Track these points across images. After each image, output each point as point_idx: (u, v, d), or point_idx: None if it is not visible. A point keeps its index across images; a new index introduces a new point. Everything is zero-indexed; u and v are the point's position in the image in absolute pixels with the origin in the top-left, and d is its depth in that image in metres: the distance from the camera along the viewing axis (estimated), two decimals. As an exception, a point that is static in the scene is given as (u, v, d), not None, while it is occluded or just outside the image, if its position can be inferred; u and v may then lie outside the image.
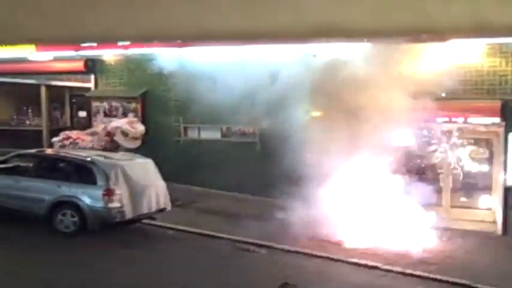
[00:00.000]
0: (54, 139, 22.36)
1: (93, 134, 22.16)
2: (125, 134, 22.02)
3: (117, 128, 22.03)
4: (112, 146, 21.40)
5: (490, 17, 8.95)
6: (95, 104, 25.16)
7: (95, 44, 20.30)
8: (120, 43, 19.87)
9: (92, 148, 20.97)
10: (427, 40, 16.47)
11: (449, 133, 20.07)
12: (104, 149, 20.51)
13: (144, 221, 17.70)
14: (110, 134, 21.91)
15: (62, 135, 22.31)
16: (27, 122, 28.55)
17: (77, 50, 22.76)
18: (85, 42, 19.99)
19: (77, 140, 21.79)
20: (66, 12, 8.90)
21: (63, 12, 8.93)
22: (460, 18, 9.24)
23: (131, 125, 22.52)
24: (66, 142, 21.65)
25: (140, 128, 22.71)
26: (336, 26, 9.35)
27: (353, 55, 18.22)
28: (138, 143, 22.22)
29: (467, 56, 18.83)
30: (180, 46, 19.90)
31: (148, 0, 9.05)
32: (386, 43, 16.66)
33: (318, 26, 9.37)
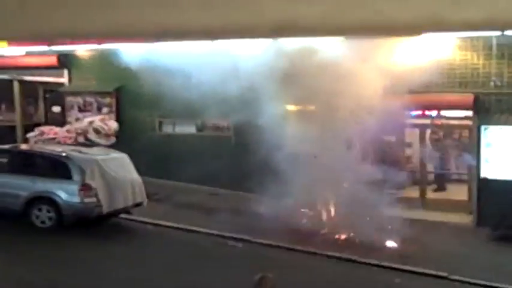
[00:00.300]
0: (30, 134, 22.20)
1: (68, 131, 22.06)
2: (97, 131, 21.92)
3: (89, 124, 21.97)
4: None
5: (443, 14, 9.12)
6: (69, 99, 25.03)
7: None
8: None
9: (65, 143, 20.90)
10: (384, 36, 16.62)
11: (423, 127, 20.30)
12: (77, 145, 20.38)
13: (121, 215, 17.69)
14: (83, 132, 21.82)
15: (37, 130, 22.16)
16: (0, 118, 28.27)
17: (49, 45, 22.56)
18: (51, 40, 19.86)
19: (52, 135, 21.67)
20: (34, 10, 8.91)
21: (33, 10, 8.94)
22: (415, 16, 9.41)
23: (103, 122, 22.41)
24: (41, 138, 21.52)
25: (113, 125, 22.60)
26: (297, 23, 9.47)
27: (326, 47, 18.19)
28: (111, 140, 22.11)
29: (440, 49, 18.96)
30: (151, 41, 19.86)
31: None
32: (346, 39, 16.71)
33: (280, 24, 9.49)
